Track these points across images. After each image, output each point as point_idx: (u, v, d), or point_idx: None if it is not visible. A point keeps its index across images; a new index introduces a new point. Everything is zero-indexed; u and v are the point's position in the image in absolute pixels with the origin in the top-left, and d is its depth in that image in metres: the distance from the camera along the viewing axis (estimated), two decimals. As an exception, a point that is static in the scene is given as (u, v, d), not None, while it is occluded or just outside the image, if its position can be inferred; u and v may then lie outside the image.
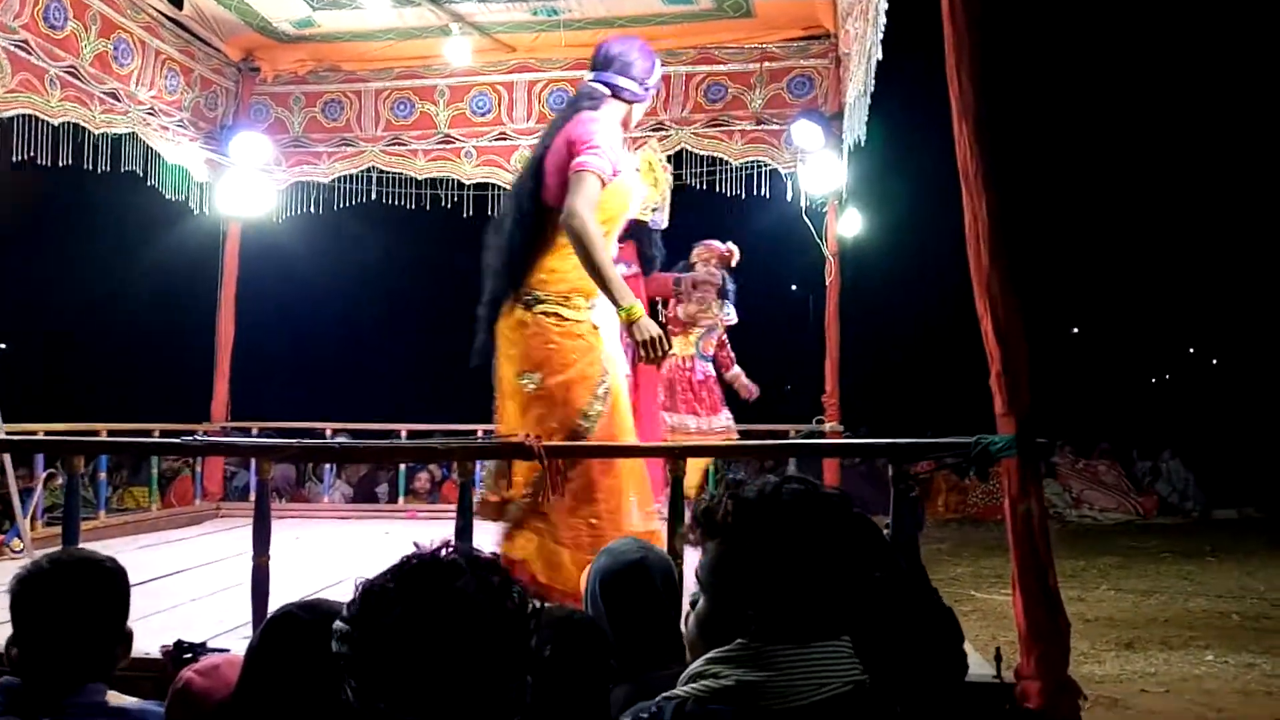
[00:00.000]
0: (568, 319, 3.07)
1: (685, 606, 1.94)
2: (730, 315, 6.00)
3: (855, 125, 5.20)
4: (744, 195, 6.36)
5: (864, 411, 6.88)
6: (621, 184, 3.15)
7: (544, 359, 3.06)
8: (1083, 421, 14.47)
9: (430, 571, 1.26)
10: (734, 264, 5.94)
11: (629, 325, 2.98)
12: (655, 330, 2.97)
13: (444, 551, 1.30)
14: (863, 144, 5.35)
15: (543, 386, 3.05)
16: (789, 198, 6.28)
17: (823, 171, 5.92)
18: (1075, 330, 24.82)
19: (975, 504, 11.67)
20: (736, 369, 6.08)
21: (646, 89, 3.29)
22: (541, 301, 3.07)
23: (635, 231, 5.08)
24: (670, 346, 3.10)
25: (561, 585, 2.90)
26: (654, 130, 6.24)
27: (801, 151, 5.96)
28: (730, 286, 5.94)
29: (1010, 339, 2.44)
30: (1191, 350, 26.88)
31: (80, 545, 2.84)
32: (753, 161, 6.26)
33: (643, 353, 2.97)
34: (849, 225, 6.36)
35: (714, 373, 5.97)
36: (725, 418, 5.84)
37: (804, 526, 1.33)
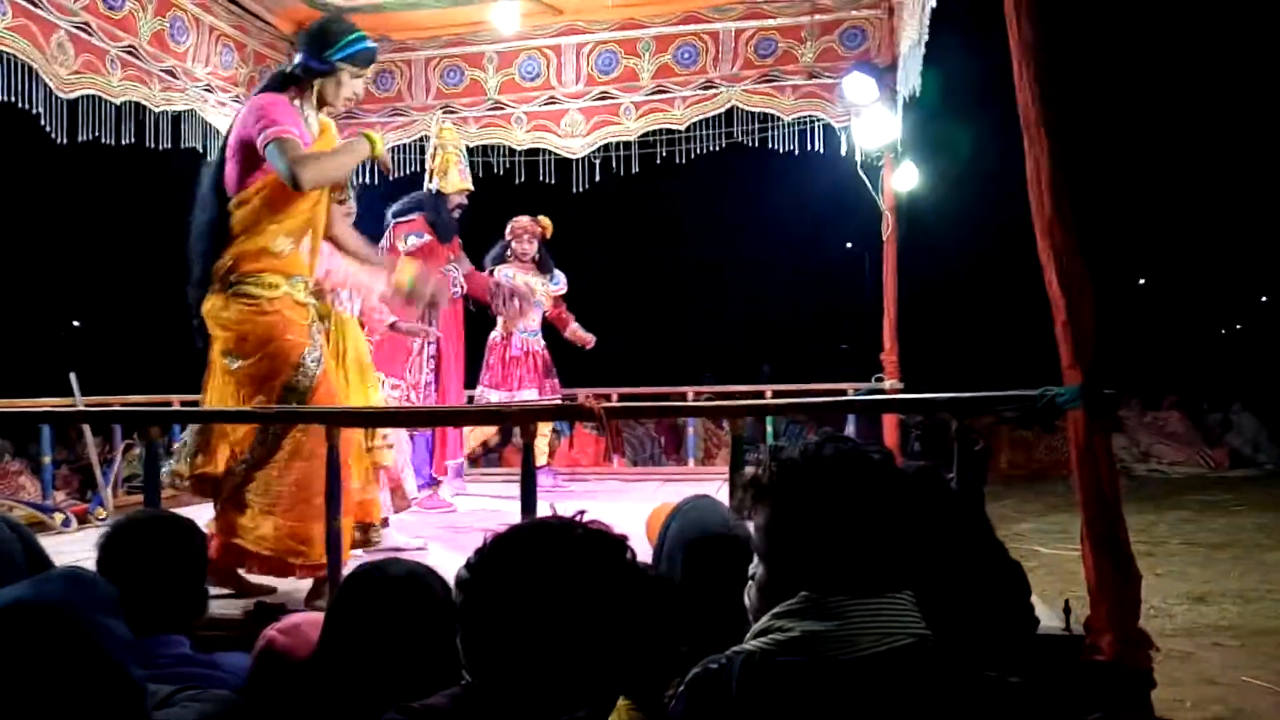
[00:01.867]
0: (260, 297, 3.16)
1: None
2: (559, 285, 6.11)
3: (910, 76, 5.10)
4: (796, 151, 6.27)
5: (923, 369, 6.79)
6: None
7: (242, 339, 3.16)
8: (1150, 374, 14.14)
9: (554, 534, 1.31)
10: (548, 236, 6.05)
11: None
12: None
13: (572, 522, 1.35)
14: (918, 95, 5.24)
15: (245, 365, 3.16)
16: (843, 153, 6.18)
17: (877, 125, 5.82)
18: (1142, 280, 24.16)
19: (1039, 460, 11.51)
20: (573, 325, 6.17)
21: (332, 62, 3.25)
22: (234, 284, 3.16)
23: (425, 200, 5.28)
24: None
25: (271, 548, 3.05)
26: (704, 89, 6.18)
27: (855, 105, 5.85)
28: (550, 260, 6.07)
29: (1075, 288, 2.40)
30: (1264, 299, 26.00)
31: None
32: (805, 117, 6.15)
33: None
34: (905, 179, 6.24)
35: (538, 346, 6.03)
36: (531, 395, 5.84)
37: (848, 483, 1.34)
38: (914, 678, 1.26)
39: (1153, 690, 2.38)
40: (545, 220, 6.02)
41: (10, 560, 1.36)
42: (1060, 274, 2.40)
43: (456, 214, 5.37)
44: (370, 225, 5.33)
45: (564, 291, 6.15)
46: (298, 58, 3.28)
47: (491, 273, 5.80)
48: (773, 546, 1.40)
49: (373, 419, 3.20)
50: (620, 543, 1.34)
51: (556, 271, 6.10)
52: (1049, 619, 2.60)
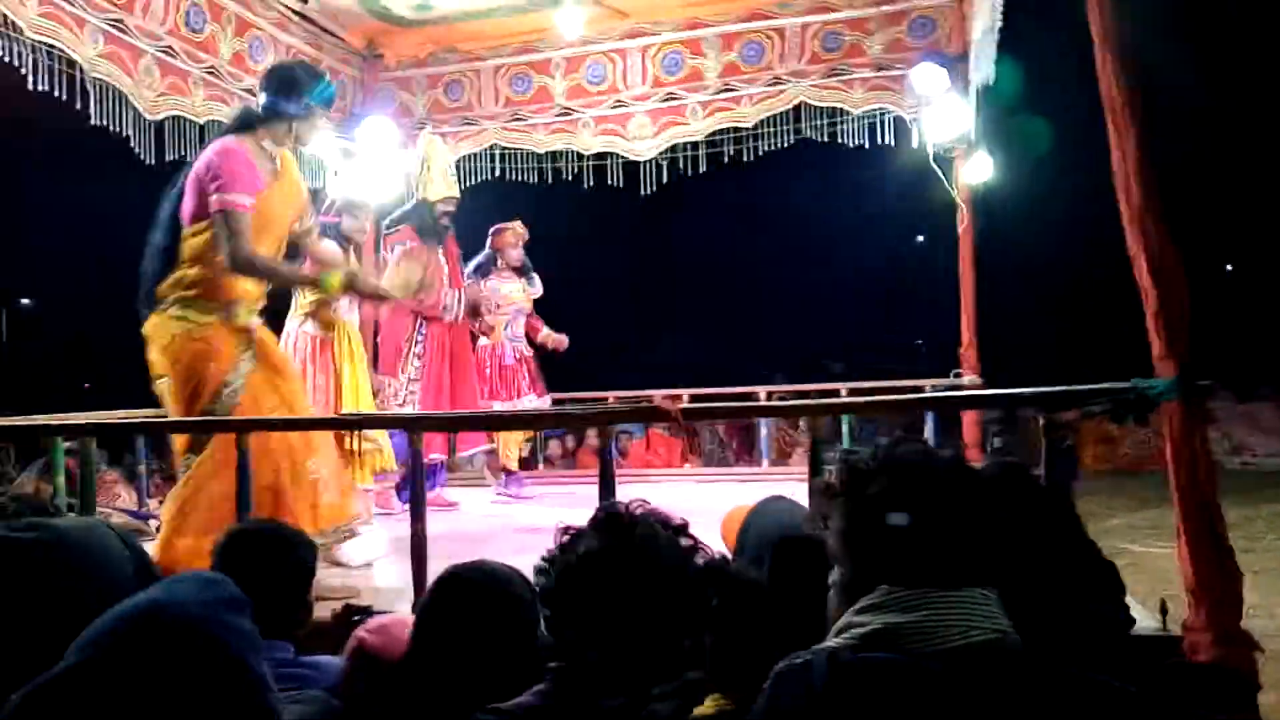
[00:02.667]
0: (192, 322, 3.33)
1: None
2: (536, 289, 6.12)
3: (983, 65, 4.99)
4: (866, 145, 6.20)
5: (1003, 364, 6.64)
6: (269, 198, 3.45)
7: (170, 362, 3.34)
8: (1240, 364, 13.60)
9: (618, 520, 1.38)
10: (526, 240, 6.06)
11: (347, 293, 3.49)
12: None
13: (635, 507, 1.42)
14: (992, 84, 5.13)
15: (171, 386, 3.35)
16: (914, 145, 6.08)
17: (949, 116, 5.71)
18: (1229, 267, 23.26)
19: (1125, 455, 11.18)
20: (545, 330, 6.18)
21: (310, 106, 3.53)
22: (170, 306, 3.34)
23: (411, 212, 5.45)
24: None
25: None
26: (771, 85, 6.14)
27: (925, 96, 5.75)
28: (528, 263, 6.09)
29: (1168, 278, 2.32)
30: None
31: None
32: (874, 109, 6.07)
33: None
34: (979, 170, 6.12)
35: (529, 352, 6.06)
36: (533, 401, 5.90)
37: (920, 480, 1.35)
38: (998, 672, 1.25)
39: (1258, 693, 2.29)
40: (519, 226, 6.06)
41: (120, 570, 1.41)
42: (1151, 264, 2.33)
43: (445, 220, 5.51)
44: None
45: (539, 294, 6.17)
46: (263, 99, 3.52)
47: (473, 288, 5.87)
48: (851, 549, 1.40)
49: (455, 423, 3.24)
50: (682, 525, 1.42)
51: (534, 275, 6.13)
52: (1144, 619, 2.52)
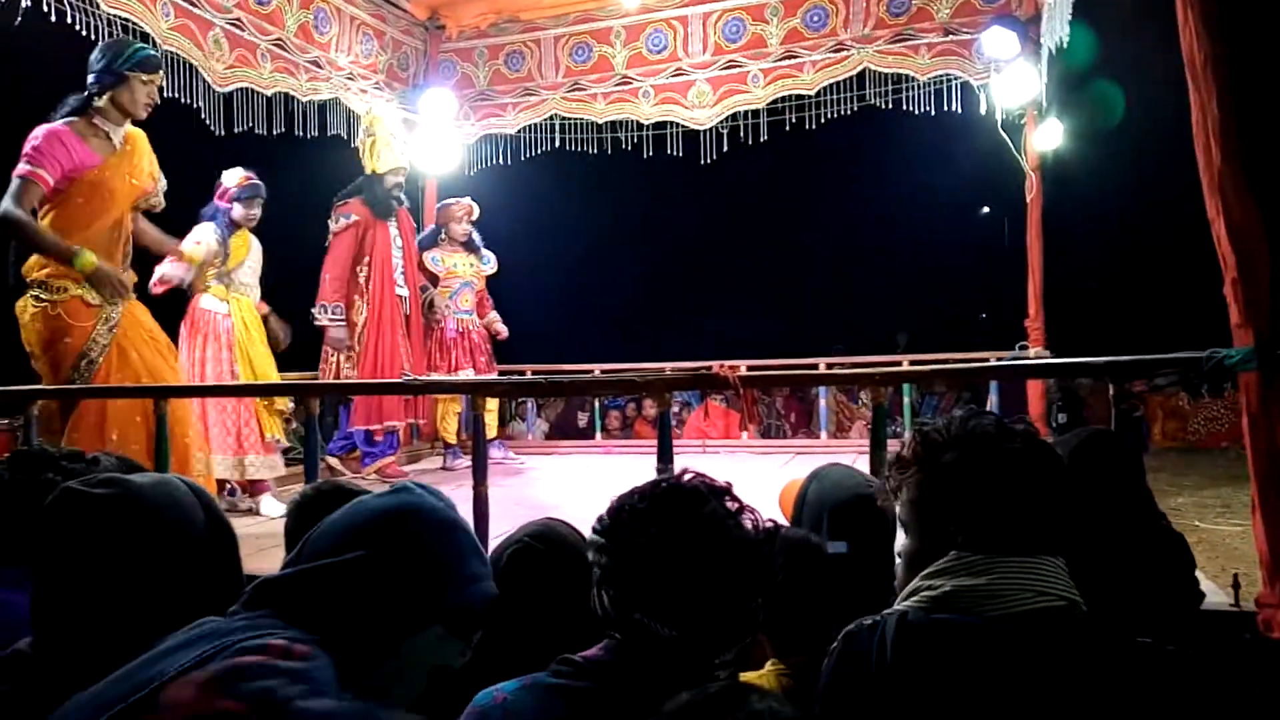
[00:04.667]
0: (44, 300, 3.61)
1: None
2: (490, 265, 6.12)
3: (1057, 27, 4.83)
4: (933, 112, 6.07)
5: (1070, 336, 6.48)
6: (105, 172, 3.68)
7: (32, 339, 3.65)
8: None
9: (679, 495, 1.38)
10: (475, 217, 6.03)
11: (92, 277, 3.58)
12: (107, 272, 3.60)
13: (687, 478, 1.41)
14: (1064, 47, 4.97)
15: (37, 362, 3.67)
16: (982, 111, 5.93)
17: (1019, 81, 5.55)
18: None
19: (1195, 430, 10.88)
20: (491, 314, 6.17)
21: (119, 72, 3.67)
22: (29, 288, 3.65)
23: (362, 184, 5.46)
24: (125, 286, 3.73)
25: None
26: (834, 52, 6.04)
27: (995, 61, 5.60)
28: (478, 240, 6.07)
29: (1248, 242, 2.24)
30: None
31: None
32: (941, 75, 5.94)
33: (106, 295, 3.63)
34: (1050, 137, 5.95)
35: (472, 327, 6.03)
36: (469, 374, 5.86)
37: (996, 450, 1.35)
38: (1066, 638, 1.24)
39: (1335, 671, 2.23)
40: (470, 201, 6.04)
41: (193, 524, 1.45)
42: (1231, 227, 2.24)
43: (395, 191, 5.52)
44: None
45: (493, 271, 6.17)
46: (90, 79, 3.69)
47: (421, 261, 5.89)
48: (922, 519, 1.39)
49: (520, 389, 3.27)
50: (727, 488, 1.41)
51: (487, 252, 6.12)
52: (1215, 594, 2.46)
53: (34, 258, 3.66)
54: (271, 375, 4.76)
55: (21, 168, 3.54)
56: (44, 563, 1.38)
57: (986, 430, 1.38)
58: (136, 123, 3.85)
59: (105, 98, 3.69)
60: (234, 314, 4.67)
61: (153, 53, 3.81)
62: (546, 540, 1.74)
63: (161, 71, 3.88)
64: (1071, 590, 1.30)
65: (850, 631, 1.32)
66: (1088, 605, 1.32)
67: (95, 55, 3.74)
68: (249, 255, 4.77)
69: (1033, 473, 1.34)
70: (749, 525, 1.39)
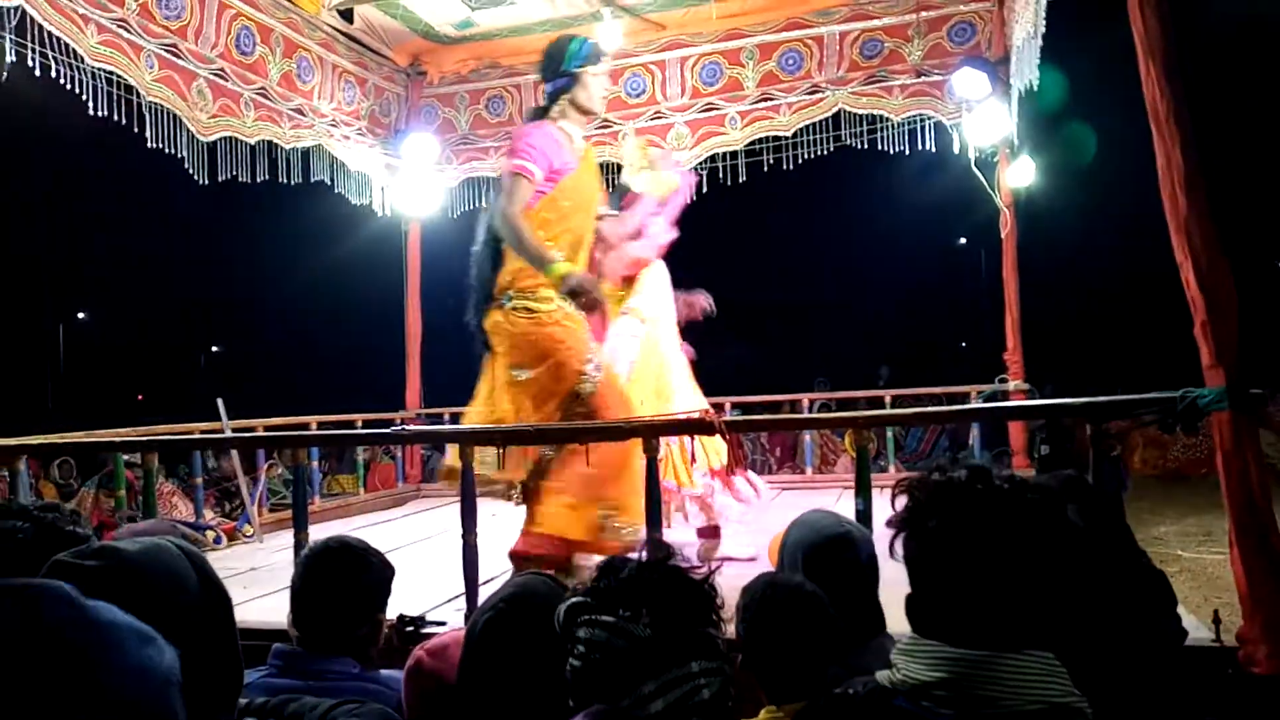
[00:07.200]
0: (537, 310, 3.37)
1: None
2: None
3: (1026, 69, 4.96)
4: (907, 151, 6.17)
5: (1048, 369, 6.57)
6: (572, 180, 3.47)
7: (525, 350, 3.37)
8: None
9: (658, 580, 1.43)
10: None
11: (563, 287, 3.29)
12: (576, 281, 3.27)
13: (673, 561, 1.46)
14: (1034, 88, 5.10)
15: (531, 376, 3.35)
16: (956, 150, 6.05)
17: (990, 120, 5.68)
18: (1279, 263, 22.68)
19: (1175, 459, 10.97)
20: None
21: (570, 72, 3.52)
22: (512, 299, 3.39)
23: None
24: (603, 298, 3.45)
25: (581, 536, 3.21)
26: (809, 94, 6.16)
27: (966, 101, 5.73)
28: None
29: (1215, 287, 2.31)
30: None
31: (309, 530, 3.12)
32: (915, 116, 6.05)
33: (576, 305, 3.33)
34: (1022, 174, 6.07)
35: None
36: None
37: (992, 535, 1.27)
38: None
39: (1316, 705, 2.26)
40: None
41: (185, 590, 1.46)
42: (1199, 273, 2.31)
43: None
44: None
45: None
46: (545, 88, 3.58)
47: None
48: (915, 577, 1.35)
49: (510, 439, 3.29)
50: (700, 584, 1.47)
51: None
52: (1196, 629, 2.50)
53: (510, 266, 3.42)
54: None
55: (514, 163, 3.37)
56: None
57: (970, 492, 1.29)
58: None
59: (564, 102, 3.54)
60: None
61: (593, 41, 3.64)
62: (522, 603, 1.71)
63: (604, 58, 3.66)
64: (1058, 691, 1.23)
65: (836, 695, 1.35)
66: (1074, 651, 1.32)
67: (542, 61, 3.61)
68: None
69: (1032, 561, 1.27)
70: (720, 631, 1.46)
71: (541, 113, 3.58)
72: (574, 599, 1.49)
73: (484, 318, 3.43)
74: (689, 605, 1.45)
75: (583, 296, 3.29)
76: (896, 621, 1.54)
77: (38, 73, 4.09)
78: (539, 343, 3.34)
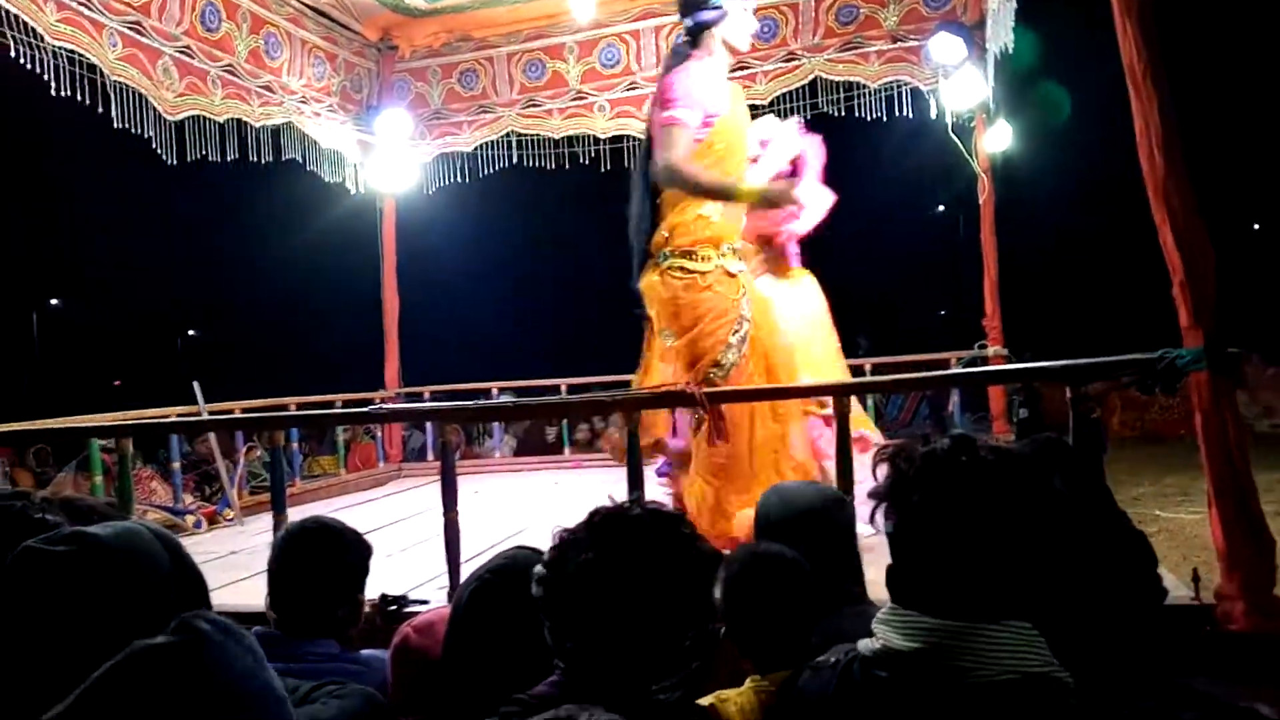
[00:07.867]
0: (693, 271, 3.25)
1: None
2: None
3: (1001, 33, 4.93)
4: (884, 118, 6.15)
5: (1027, 333, 6.60)
6: (725, 122, 3.31)
7: (674, 314, 3.27)
8: (1270, 325, 13.42)
9: (618, 524, 1.37)
10: None
11: (763, 205, 3.26)
12: (775, 192, 3.27)
13: (632, 506, 1.41)
14: (1010, 51, 5.07)
15: (678, 343, 3.27)
16: (933, 116, 6.02)
17: (967, 85, 5.65)
18: (1257, 226, 22.88)
19: (1153, 420, 11.08)
20: None
21: (702, 11, 3.35)
22: (668, 258, 3.28)
23: None
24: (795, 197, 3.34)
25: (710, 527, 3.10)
26: (785, 61, 6.11)
27: (943, 66, 5.70)
28: None
29: (1193, 247, 2.31)
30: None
31: (289, 511, 3.10)
32: (891, 82, 6.03)
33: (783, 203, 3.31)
34: (999, 139, 6.06)
35: None
36: None
37: (976, 511, 1.26)
38: (1025, 709, 1.19)
39: (1293, 661, 2.29)
40: None
41: (158, 575, 1.44)
42: (1176, 234, 2.31)
43: None
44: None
45: None
46: (686, 23, 3.39)
47: None
48: (898, 550, 1.34)
49: (488, 415, 3.26)
50: (677, 517, 1.41)
51: None
52: (1175, 588, 2.52)
53: (667, 225, 3.29)
54: None
55: (665, 115, 3.20)
56: (5, 624, 1.36)
57: (955, 466, 1.27)
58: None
59: (711, 37, 3.36)
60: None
61: None
62: (508, 574, 1.70)
63: None
64: (1036, 660, 1.24)
65: (815, 664, 1.35)
66: (1053, 616, 1.32)
67: (681, 3, 3.42)
68: None
69: (1016, 536, 1.26)
70: (696, 556, 1.38)
71: (684, 53, 3.38)
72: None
73: (639, 276, 3.35)
74: (642, 547, 1.39)
75: (781, 200, 3.30)
76: (877, 589, 1.54)
77: (-3, 53, 4.00)
78: (690, 308, 3.23)
